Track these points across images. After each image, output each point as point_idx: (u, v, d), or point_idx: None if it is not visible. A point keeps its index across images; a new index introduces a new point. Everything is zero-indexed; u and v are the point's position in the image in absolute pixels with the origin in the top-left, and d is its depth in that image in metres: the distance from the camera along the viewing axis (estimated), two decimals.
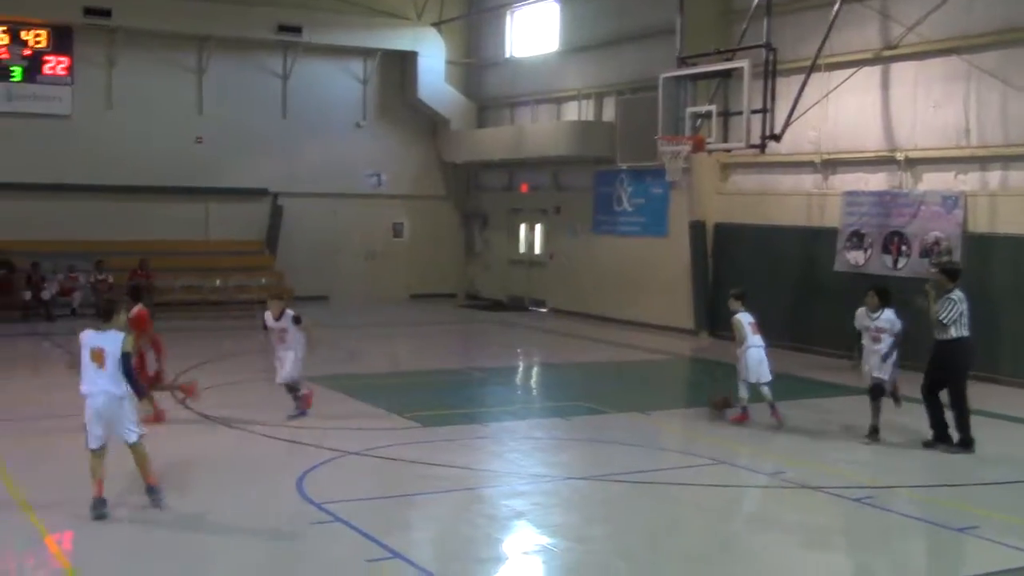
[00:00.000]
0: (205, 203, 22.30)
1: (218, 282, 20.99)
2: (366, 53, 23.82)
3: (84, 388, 7.35)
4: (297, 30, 22.19)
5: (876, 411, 10.15)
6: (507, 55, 24.47)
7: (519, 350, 19.04)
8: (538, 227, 23.80)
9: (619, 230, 21.13)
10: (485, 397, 14.31)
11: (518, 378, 16.91)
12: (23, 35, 20.82)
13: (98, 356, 7.32)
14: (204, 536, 7.56)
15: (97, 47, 21.39)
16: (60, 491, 7.94)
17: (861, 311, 10.37)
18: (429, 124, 24.90)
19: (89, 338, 7.41)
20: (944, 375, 9.89)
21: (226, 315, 20.41)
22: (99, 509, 7.20)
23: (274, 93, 23.09)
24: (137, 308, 10.77)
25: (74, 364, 7.71)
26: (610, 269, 20.33)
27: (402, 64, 24.22)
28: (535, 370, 17.70)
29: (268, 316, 10.78)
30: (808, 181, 17.06)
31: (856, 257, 16.10)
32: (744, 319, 11.15)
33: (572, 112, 22.24)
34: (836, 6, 15.04)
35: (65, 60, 21.21)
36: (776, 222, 17.37)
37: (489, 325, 22.18)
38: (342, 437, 10.40)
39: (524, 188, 24.15)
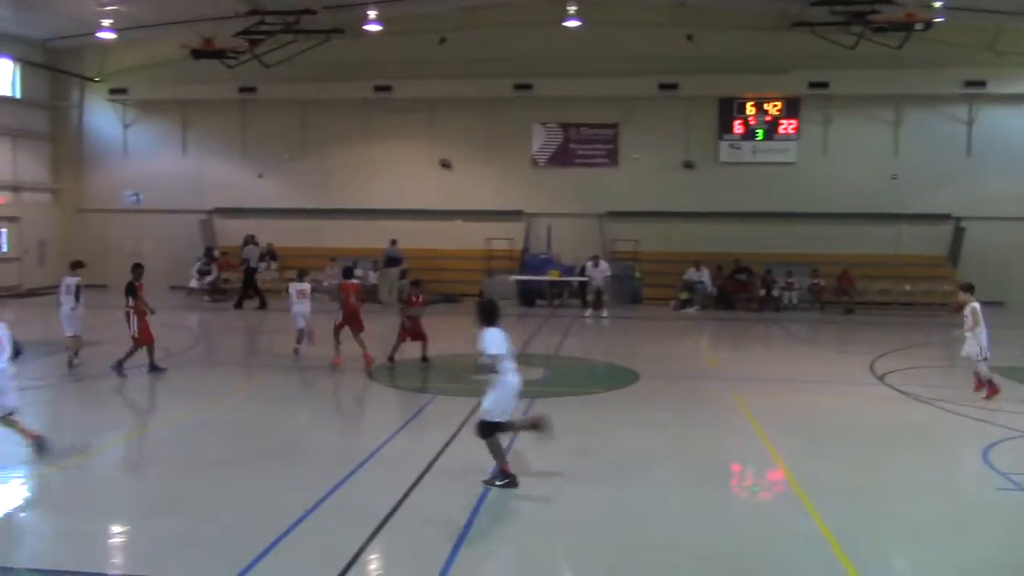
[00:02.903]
0: (897, 226, 26.87)
1: (908, 287, 25.26)
2: None
3: None
4: (982, 84, 25.73)
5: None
6: None
7: None
8: None
9: None
10: None
11: None
12: (765, 106, 27.55)
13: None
14: (894, 484, 8.62)
15: (817, 110, 27.27)
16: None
17: None
18: None
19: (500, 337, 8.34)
20: None
21: (915, 314, 24.10)
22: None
23: (959, 136, 26.79)
24: (344, 282, 15.08)
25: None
26: None
27: None
28: None
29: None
30: None
31: None
32: (979, 307, 12.43)
33: None
34: None
35: (793, 122, 27.45)
36: None
37: None
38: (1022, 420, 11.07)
39: None
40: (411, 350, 15.32)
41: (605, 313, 24.75)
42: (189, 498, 7.96)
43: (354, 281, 15.69)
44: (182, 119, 30.09)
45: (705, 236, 27.29)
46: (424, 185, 28.84)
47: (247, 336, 16.65)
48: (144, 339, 14.02)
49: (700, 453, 9.81)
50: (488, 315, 8.49)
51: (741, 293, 25.99)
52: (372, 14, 24.74)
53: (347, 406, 13.40)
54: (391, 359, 15.12)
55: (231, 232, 29.28)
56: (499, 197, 28.49)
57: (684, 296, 25.55)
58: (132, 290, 14.07)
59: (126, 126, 30.49)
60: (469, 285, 27.59)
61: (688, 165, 28.00)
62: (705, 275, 25.80)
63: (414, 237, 27.98)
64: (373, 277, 26.53)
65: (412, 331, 15.23)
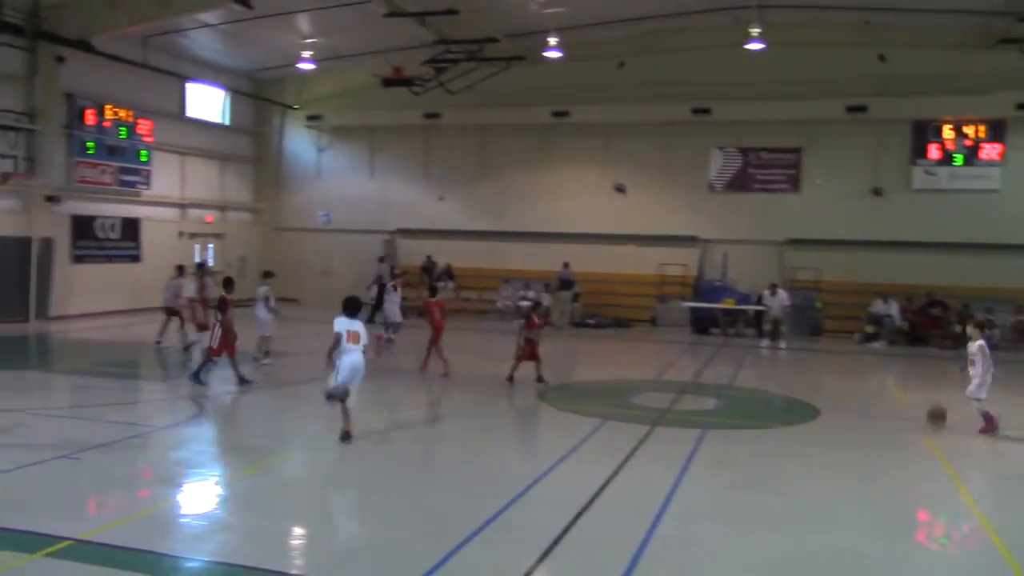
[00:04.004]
0: None
1: None
2: None
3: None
4: None
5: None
6: None
7: None
8: None
9: None
10: None
11: None
12: (965, 130, 25.73)
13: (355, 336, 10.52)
14: None
15: None
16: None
17: None
18: None
19: (345, 324, 10.53)
20: None
21: None
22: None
23: None
24: (429, 299, 16.80)
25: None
26: None
27: None
28: None
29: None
30: None
31: None
32: (987, 348, 12.20)
33: None
34: None
35: (998, 147, 25.45)
36: None
37: None
38: None
39: None
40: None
41: (783, 344, 23.80)
42: (366, 507, 8.29)
43: (439, 298, 17.24)
44: (370, 144, 31.69)
45: (894, 267, 25.74)
46: (598, 209, 28.90)
47: (422, 353, 17.28)
48: (218, 351, 14.14)
49: (889, 498, 9.17)
50: (346, 307, 10.96)
51: (934, 329, 24.20)
52: (552, 40, 25.18)
53: (518, 426, 13.54)
54: (510, 380, 15.18)
55: (412, 252, 30.49)
56: (674, 222, 28.10)
57: (870, 330, 24.13)
58: (223, 304, 14.23)
59: (320, 150, 32.47)
60: (641, 310, 27.43)
61: (877, 192, 26.56)
62: (894, 308, 24.28)
63: (587, 261, 28.07)
64: (547, 299, 26.78)
65: (529, 352, 15.20)
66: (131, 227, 26.68)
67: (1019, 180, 25.37)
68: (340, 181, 32.08)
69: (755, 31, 24.09)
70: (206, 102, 30.31)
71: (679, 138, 28.08)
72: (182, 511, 8.27)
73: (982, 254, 25.21)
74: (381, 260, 28.37)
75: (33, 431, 10.86)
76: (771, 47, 24.90)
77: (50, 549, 6.76)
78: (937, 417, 12.53)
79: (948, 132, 25.99)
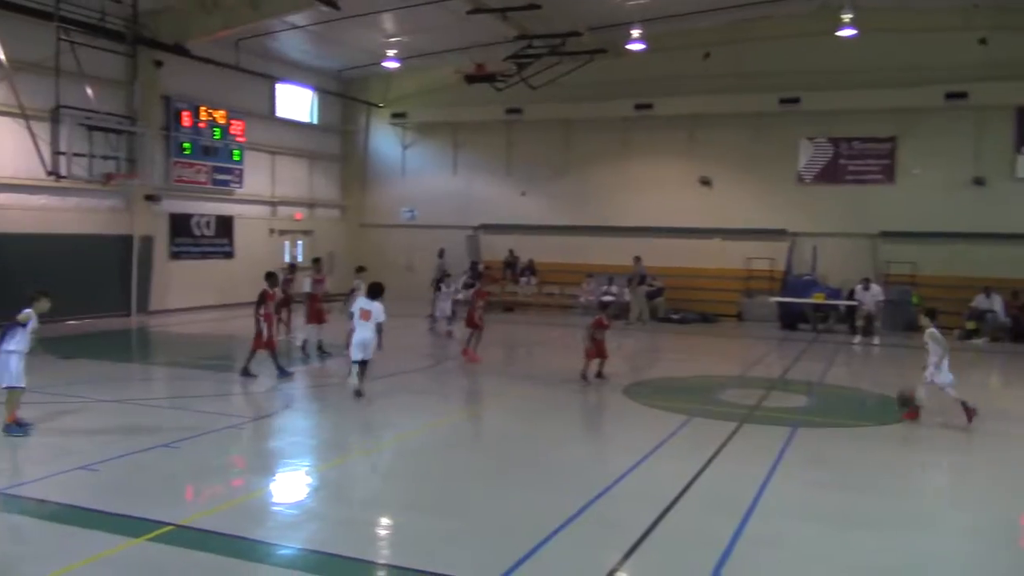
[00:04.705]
0: None
1: None
2: None
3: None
4: None
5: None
6: None
7: None
8: None
9: None
10: None
11: None
12: None
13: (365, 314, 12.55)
14: None
15: None
16: None
17: None
18: None
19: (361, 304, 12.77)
20: None
21: None
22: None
23: None
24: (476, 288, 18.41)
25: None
26: None
27: None
28: None
29: None
30: None
31: None
32: (939, 334, 12.02)
33: None
34: None
35: None
36: None
37: None
38: None
39: None
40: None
41: (876, 340, 23.05)
42: (452, 499, 8.36)
43: (481, 289, 18.58)
44: (453, 140, 31.98)
45: (997, 259, 24.59)
46: (683, 203, 28.50)
47: (505, 348, 17.43)
48: (266, 344, 14.49)
49: (991, 502, 8.79)
50: (369, 290, 13.04)
51: None
52: (635, 32, 24.93)
53: (603, 422, 13.48)
54: (584, 377, 15.00)
55: (495, 247, 30.64)
56: (761, 215, 27.50)
57: (971, 326, 23.12)
58: (262, 298, 14.59)
59: (404, 147, 32.92)
60: (727, 305, 26.96)
61: (978, 181, 25.42)
62: (997, 303, 23.22)
63: (672, 255, 27.72)
64: (627, 295, 26.52)
65: (597, 350, 15.10)
66: (224, 225, 27.55)
67: None
68: (423, 177, 32.46)
69: (847, 17, 23.36)
70: (295, 102, 31.06)
71: (766, 129, 27.46)
72: (274, 500, 8.51)
73: None
74: (440, 256, 28.61)
75: (136, 420, 11.33)
76: (863, 33, 24.09)
77: (152, 534, 7.04)
78: (904, 402, 12.39)
79: None
